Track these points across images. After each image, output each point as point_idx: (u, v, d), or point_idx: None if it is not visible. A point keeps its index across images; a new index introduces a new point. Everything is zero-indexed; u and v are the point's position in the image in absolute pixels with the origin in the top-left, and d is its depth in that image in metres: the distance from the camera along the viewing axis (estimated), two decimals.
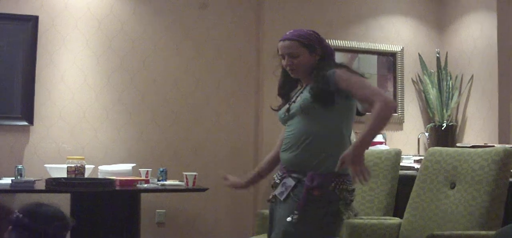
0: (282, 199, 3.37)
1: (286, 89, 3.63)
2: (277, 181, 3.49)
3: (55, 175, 5.37)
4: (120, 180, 5.25)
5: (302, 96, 3.43)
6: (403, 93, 7.21)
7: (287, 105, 3.52)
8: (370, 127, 3.14)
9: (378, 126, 3.18)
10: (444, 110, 7.07)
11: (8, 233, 2.89)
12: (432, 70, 7.21)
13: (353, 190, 3.36)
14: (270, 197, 3.54)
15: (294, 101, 3.48)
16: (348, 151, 3.13)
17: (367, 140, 3.16)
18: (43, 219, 3.00)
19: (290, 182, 3.37)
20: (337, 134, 3.36)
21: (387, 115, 3.19)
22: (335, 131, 3.36)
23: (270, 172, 3.83)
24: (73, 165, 5.37)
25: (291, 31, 3.55)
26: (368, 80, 3.37)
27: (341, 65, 3.44)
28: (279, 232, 3.32)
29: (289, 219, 3.25)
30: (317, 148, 3.33)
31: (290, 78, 3.57)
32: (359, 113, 3.52)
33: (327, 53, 3.51)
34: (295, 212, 3.26)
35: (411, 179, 4.64)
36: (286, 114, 3.49)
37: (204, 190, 5.62)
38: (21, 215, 2.87)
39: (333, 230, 3.36)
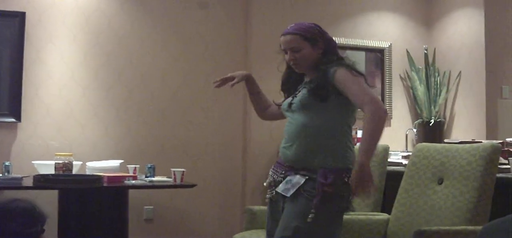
0: (288, 195, 3.32)
1: (289, 84, 3.60)
2: (278, 178, 3.45)
3: (43, 171, 5.35)
4: (108, 176, 5.24)
5: (302, 91, 3.43)
6: (391, 89, 7.23)
7: (290, 99, 3.49)
8: (363, 142, 3.15)
9: (371, 138, 3.16)
10: (432, 107, 7.09)
11: None
12: (420, 67, 7.23)
13: None
14: (270, 194, 3.51)
15: (295, 96, 3.47)
16: (355, 174, 3.13)
17: (367, 155, 3.14)
18: (14, 214, 3.00)
19: (299, 179, 3.32)
20: (340, 126, 3.36)
21: (378, 124, 3.18)
22: (337, 124, 3.35)
23: (261, 104, 3.88)
24: (61, 162, 5.35)
25: (293, 25, 3.50)
26: (365, 85, 3.31)
27: (343, 63, 3.39)
28: (289, 227, 3.27)
29: (310, 217, 3.21)
30: (321, 142, 3.32)
31: (294, 73, 3.55)
32: None
33: (330, 46, 3.49)
34: (312, 210, 3.22)
35: (399, 174, 4.65)
36: (289, 108, 3.47)
37: (192, 186, 5.61)
38: None
39: (340, 225, 3.38)
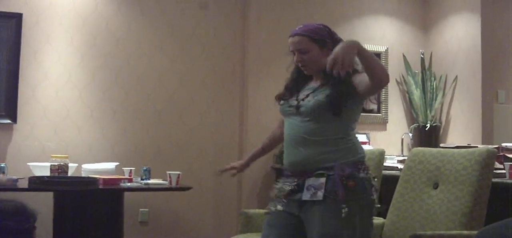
0: (320, 198, 3.20)
1: (294, 85, 3.51)
2: (290, 188, 3.34)
3: (39, 173, 5.34)
4: (104, 179, 5.23)
5: (316, 97, 3.33)
6: (387, 93, 7.24)
7: (295, 101, 3.40)
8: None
9: (373, 61, 3.08)
10: (428, 111, 7.09)
11: None
12: (416, 71, 7.24)
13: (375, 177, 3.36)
14: (280, 205, 3.38)
15: (303, 99, 3.37)
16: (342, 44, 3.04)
17: (366, 53, 3.06)
18: (6, 212, 3.00)
19: (320, 180, 3.24)
20: (349, 126, 3.33)
21: (383, 80, 3.11)
22: (347, 125, 3.32)
23: (272, 150, 3.88)
24: (56, 164, 5.34)
25: (301, 26, 3.42)
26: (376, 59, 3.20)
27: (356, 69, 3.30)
28: (326, 234, 3.18)
29: (343, 212, 3.14)
30: (332, 144, 3.26)
31: (302, 74, 3.46)
32: (364, 111, 3.49)
33: None
34: (343, 205, 3.15)
35: (395, 179, 4.64)
36: (296, 110, 3.37)
37: (187, 189, 5.61)
38: None
39: (371, 222, 3.32)
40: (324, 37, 3.38)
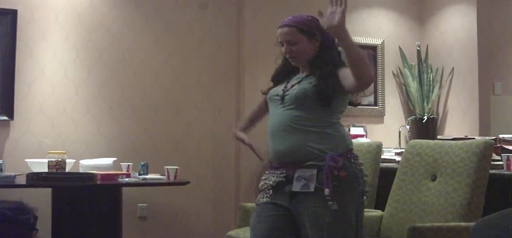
0: (311, 190, 3.20)
1: (281, 76, 3.53)
2: (278, 180, 3.34)
3: (36, 169, 5.33)
4: (101, 174, 5.22)
5: (301, 86, 3.34)
6: (384, 86, 7.24)
7: (281, 90, 3.41)
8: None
9: (357, 54, 3.09)
10: (425, 103, 7.10)
11: None
12: (412, 63, 7.24)
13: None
14: (267, 197, 3.38)
15: (291, 87, 3.38)
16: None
17: (352, 42, 3.11)
18: (4, 204, 3.03)
19: (311, 171, 3.22)
20: (335, 116, 3.33)
21: (368, 79, 3.14)
22: (330, 122, 3.30)
23: (251, 128, 3.88)
24: (54, 160, 5.33)
25: (290, 17, 3.45)
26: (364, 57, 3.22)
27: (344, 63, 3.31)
28: (322, 227, 3.17)
29: (332, 204, 3.14)
30: (318, 133, 3.26)
31: (290, 65, 3.49)
32: (352, 104, 3.50)
33: (328, 40, 3.42)
34: (328, 197, 3.14)
35: (392, 171, 4.65)
36: (281, 100, 3.38)
37: (185, 183, 5.60)
38: None
39: (362, 212, 3.33)
40: (312, 29, 3.41)
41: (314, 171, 3.21)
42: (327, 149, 3.24)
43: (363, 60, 3.10)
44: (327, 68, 3.31)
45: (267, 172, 3.46)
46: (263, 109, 3.78)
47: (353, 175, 3.25)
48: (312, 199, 3.21)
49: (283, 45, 3.45)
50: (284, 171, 3.33)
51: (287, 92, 3.37)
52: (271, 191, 3.36)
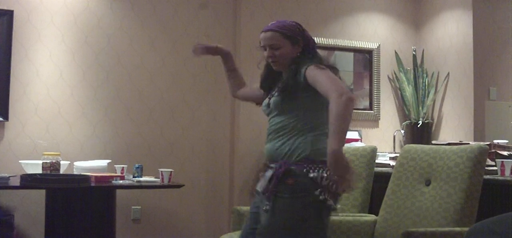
0: (260, 190, 3.31)
1: (268, 82, 3.58)
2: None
3: (30, 171, 5.33)
4: (96, 176, 5.22)
5: (276, 93, 3.42)
6: (379, 90, 7.24)
7: (267, 99, 3.47)
8: (330, 126, 2.99)
9: (337, 120, 2.97)
10: (420, 108, 7.11)
11: None
12: (408, 68, 7.25)
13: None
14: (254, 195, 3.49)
15: (273, 95, 3.44)
16: (330, 165, 2.96)
17: (335, 139, 2.96)
18: None
19: (268, 173, 3.30)
20: (310, 122, 3.31)
21: (344, 107, 2.98)
22: (307, 120, 3.30)
23: (233, 75, 4.00)
24: (48, 161, 5.33)
25: (274, 22, 3.47)
26: (332, 75, 3.20)
27: (314, 61, 3.34)
28: (262, 226, 3.26)
29: (264, 207, 3.22)
30: (290, 137, 3.29)
31: (273, 71, 3.51)
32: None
33: (309, 45, 3.45)
34: (266, 202, 3.22)
35: (387, 176, 4.66)
36: (267, 108, 3.46)
37: (179, 186, 5.60)
38: None
39: (320, 223, 3.26)
40: (296, 34, 3.42)
41: (270, 173, 3.28)
42: (287, 154, 3.27)
43: (346, 124, 3.05)
44: (297, 66, 3.34)
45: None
46: (255, 93, 3.85)
47: (301, 184, 3.21)
48: (260, 199, 3.35)
49: (265, 50, 3.46)
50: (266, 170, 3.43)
51: (270, 100, 3.44)
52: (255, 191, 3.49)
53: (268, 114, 3.49)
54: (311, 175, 3.20)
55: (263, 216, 3.28)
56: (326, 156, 3.02)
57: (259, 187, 3.36)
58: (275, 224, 3.23)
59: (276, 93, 3.42)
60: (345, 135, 3.04)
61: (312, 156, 3.25)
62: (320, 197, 3.18)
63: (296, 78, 3.30)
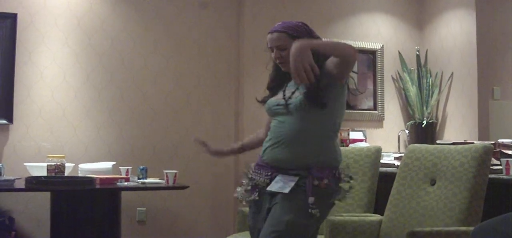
0: (286, 192, 3.22)
1: (276, 83, 3.56)
2: (262, 179, 3.39)
3: (35, 173, 5.34)
4: (100, 178, 5.23)
5: (297, 95, 3.33)
6: (383, 91, 7.24)
7: (283, 100, 3.39)
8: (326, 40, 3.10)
9: (333, 44, 3.15)
10: (424, 108, 7.10)
11: None
12: (412, 68, 7.25)
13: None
14: (254, 197, 3.44)
15: (290, 97, 3.37)
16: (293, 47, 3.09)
17: (315, 43, 3.17)
18: None
19: (291, 178, 3.26)
20: (332, 127, 3.33)
21: (344, 47, 3.15)
22: (331, 126, 3.32)
23: (250, 150, 3.89)
24: (53, 164, 5.33)
25: (280, 23, 3.45)
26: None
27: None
28: (281, 221, 3.18)
29: (314, 212, 3.17)
30: (314, 144, 3.28)
31: (281, 71, 3.49)
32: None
33: None
34: (312, 205, 3.18)
35: (392, 176, 4.65)
36: (280, 108, 3.38)
37: (184, 188, 5.61)
38: None
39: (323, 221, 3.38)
40: (302, 35, 3.38)
41: (296, 179, 3.25)
42: (317, 162, 3.26)
43: (333, 43, 3.15)
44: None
45: (253, 170, 3.51)
46: (258, 136, 3.83)
47: (329, 190, 3.26)
48: (286, 200, 3.23)
49: (272, 51, 3.46)
50: (269, 173, 3.38)
51: (290, 101, 3.36)
52: (256, 190, 3.44)
53: (276, 115, 3.43)
54: (335, 180, 3.28)
55: (281, 213, 3.21)
56: (341, 161, 3.27)
57: (278, 188, 3.28)
58: (301, 222, 3.20)
59: (294, 95, 3.36)
60: (325, 50, 3.21)
61: (334, 163, 3.31)
62: (335, 201, 3.31)
63: (318, 84, 3.26)
